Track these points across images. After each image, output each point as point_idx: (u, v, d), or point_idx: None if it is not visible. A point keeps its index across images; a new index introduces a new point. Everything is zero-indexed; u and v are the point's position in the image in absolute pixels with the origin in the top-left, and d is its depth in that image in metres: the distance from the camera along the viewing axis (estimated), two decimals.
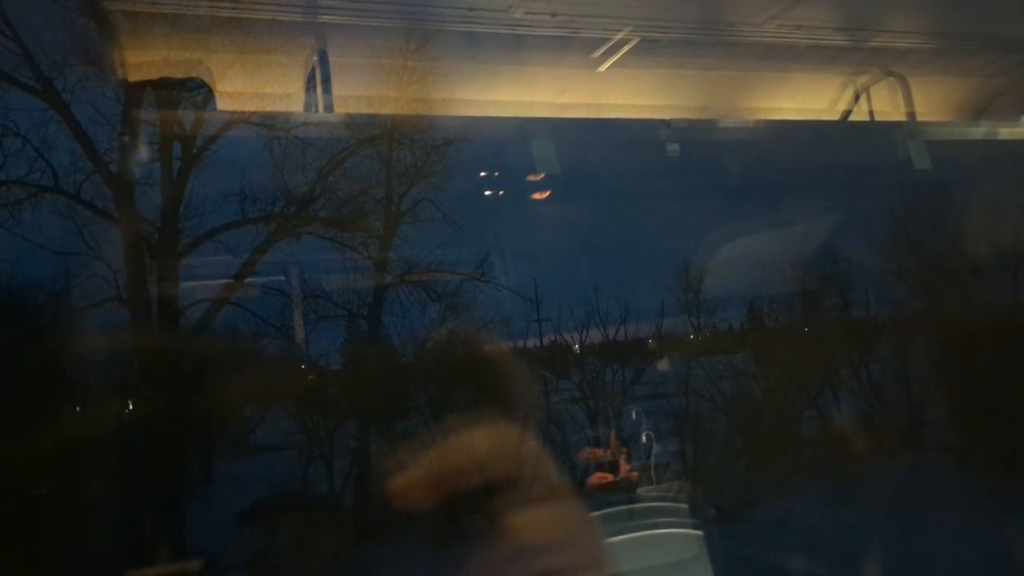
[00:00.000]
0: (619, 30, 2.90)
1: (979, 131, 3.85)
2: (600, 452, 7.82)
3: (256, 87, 3.01)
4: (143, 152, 5.72)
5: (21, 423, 5.00)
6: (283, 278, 6.92)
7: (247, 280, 6.64)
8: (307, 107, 2.88)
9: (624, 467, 7.53)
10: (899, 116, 3.44)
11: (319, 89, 2.67)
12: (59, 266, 5.94)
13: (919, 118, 3.48)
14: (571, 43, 2.97)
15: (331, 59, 2.70)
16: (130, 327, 6.16)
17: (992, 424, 7.75)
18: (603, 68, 3.10)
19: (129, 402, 6.43)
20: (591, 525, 1.05)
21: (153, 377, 6.14)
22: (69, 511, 5.81)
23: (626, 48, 2.98)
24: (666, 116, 3.28)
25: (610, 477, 7.37)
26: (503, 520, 0.85)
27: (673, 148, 3.16)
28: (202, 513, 7.13)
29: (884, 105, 3.51)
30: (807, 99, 3.56)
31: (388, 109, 3.57)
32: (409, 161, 6.85)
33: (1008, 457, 7.46)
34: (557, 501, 0.94)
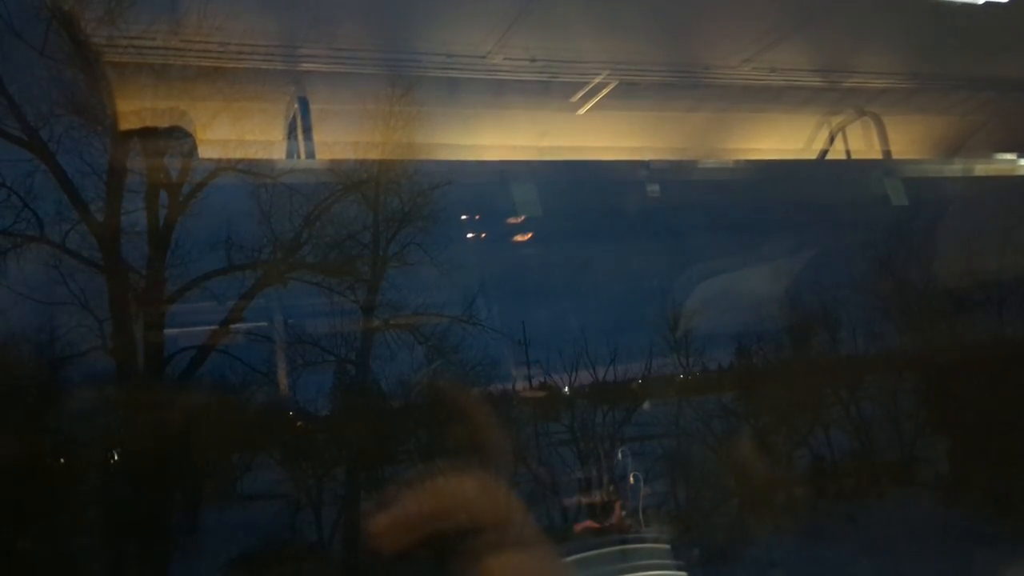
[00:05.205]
0: (597, 74, 2.95)
1: (955, 168, 3.92)
2: (592, 497, 7.73)
3: (241, 135, 3.04)
4: (129, 201, 5.76)
5: (1, 474, 4.94)
6: (270, 324, 6.89)
7: (234, 327, 6.61)
8: (290, 154, 2.91)
9: (618, 512, 7.45)
10: (874, 154, 3.50)
11: (301, 136, 2.70)
12: (44, 316, 5.91)
13: (894, 156, 3.53)
14: (551, 87, 3.01)
15: (313, 106, 2.74)
16: (115, 376, 6.11)
17: (985, 460, 7.74)
18: (582, 111, 3.15)
19: (114, 452, 6.34)
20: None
21: (138, 426, 6.08)
22: (52, 565, 5.70)
23: (604, 91, 3.03)
24: (645, 157, 3.32)
25: (597, 525, 7.29)
26: (494, 566, 0.84)
27: (653, 188, 3.19)
28: (188, 564, 7.00)
29: (859, 144, 3.57)
30: (784, 139, 3.62)
31: (371, 155, 3.60)
32: (394, 206, 6.87)
33: (1003, 494, 7.43)
34: (548, 547, 0.94)
